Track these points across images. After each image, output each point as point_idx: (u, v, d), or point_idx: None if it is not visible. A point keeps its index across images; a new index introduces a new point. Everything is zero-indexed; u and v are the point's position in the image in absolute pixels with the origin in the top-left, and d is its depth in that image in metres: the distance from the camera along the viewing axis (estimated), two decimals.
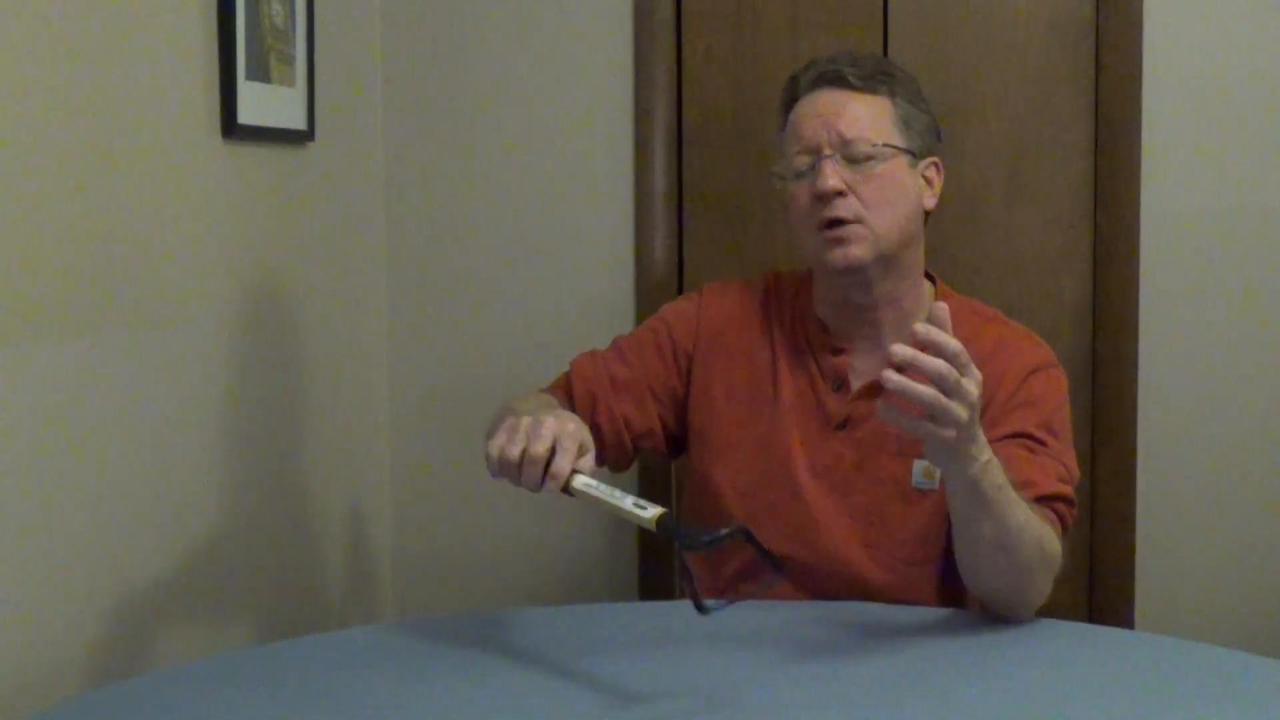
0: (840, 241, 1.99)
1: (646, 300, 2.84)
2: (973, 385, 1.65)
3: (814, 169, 2.00)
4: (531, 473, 1.68)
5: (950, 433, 1.65)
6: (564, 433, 1.69)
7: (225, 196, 2.33)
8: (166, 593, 2.18)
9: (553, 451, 1.68)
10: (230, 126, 2.29)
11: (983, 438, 1.73)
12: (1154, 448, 2.76)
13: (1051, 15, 2.74)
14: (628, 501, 1.61)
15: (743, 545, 1.84)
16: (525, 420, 1.71)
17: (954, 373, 1.62)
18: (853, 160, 1.99)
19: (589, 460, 1.71)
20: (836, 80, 2.02)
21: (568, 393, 2.09)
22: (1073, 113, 2.75)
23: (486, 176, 2.91)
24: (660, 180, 2.84)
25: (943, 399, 1.62)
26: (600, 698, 1.62)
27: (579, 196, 2.88)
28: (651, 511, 1.59)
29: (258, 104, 2.36)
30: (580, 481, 1.66)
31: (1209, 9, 2.69)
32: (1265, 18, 2.68)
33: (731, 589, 1.99)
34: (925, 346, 1.61)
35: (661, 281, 2.85)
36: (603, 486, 1.65)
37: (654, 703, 1.60)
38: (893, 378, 1.61)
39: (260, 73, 2.37)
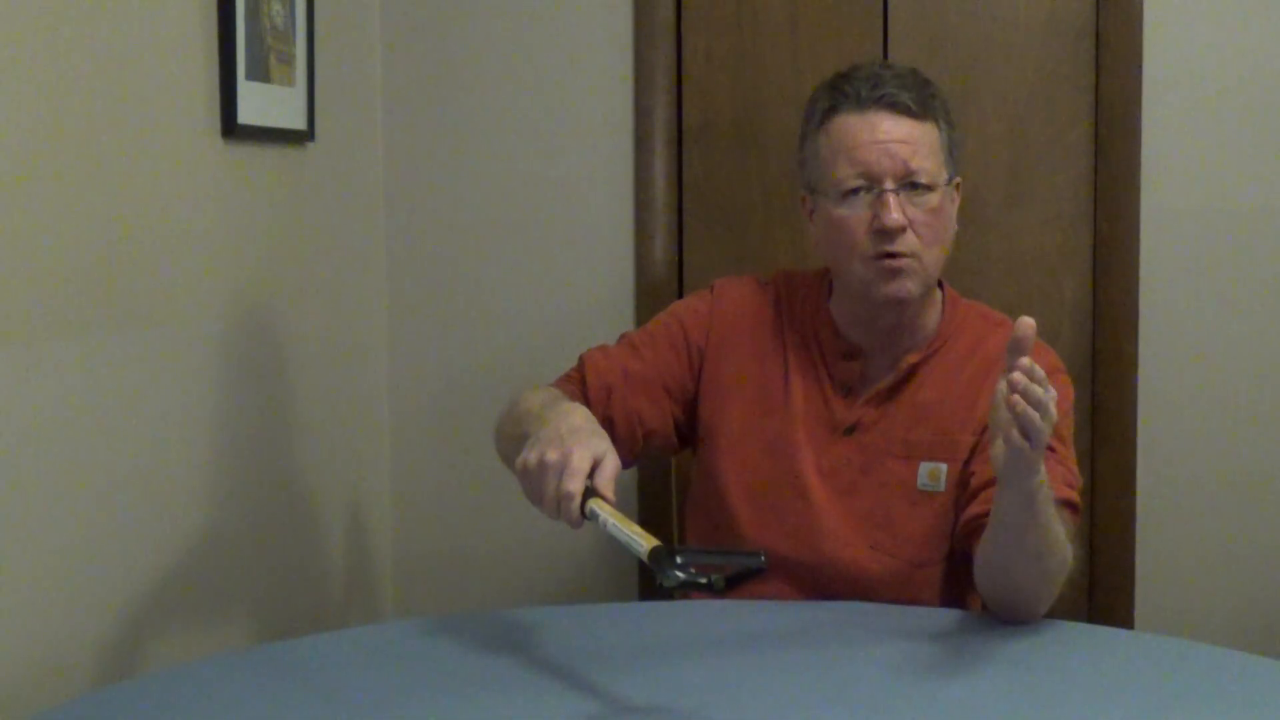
0: (895, 275, 1.97)
1: (646, 300, 2.84)
2: (1054, 407, 1.66)
3: (874, 198, 1.96)
4: (568, 509, 1.65)
5: (1039, 452, 1.67)
6: (584, 457, 1.66)
7: (225, 196, 2.33)
8: (167, 592, 2.18)
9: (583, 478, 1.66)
10: (230, 126, 2.29)
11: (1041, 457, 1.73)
12: (1154, 448, 2.76)
13: (1051, 15, 2.74)
14: (623, 536, 1.59)
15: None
16: (552, 454, 1.67)
17: (1048, 405, 1.64)
18: (911, 191, 1.97)
19: (609, 468, 1.68)
20: (894, 105, 1.98)
21: (581, 386, 2.08)
22: (1073, 113, 2.75)
23: (486, 176, 2.90)
24: (660, 180, 2.84)
25: (1037, 419, 1.64)
26: (600, 698, 1.62)
27: (579, 196, 2.88)
28: (644, 552, 1.57)
29: (258, 104, 2.36)
30: (591, 504, 1.64)
31: (1209, 9, 2.69)
32: (1265, 18, 2.68)
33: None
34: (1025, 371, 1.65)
35: (661, 281, 2.85)
36: (614, 524, 1.62)
37: (654, 703, 1.60)
38: (1020, 407, 1.64)
39: (260, 73, 2.37)
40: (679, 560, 1.53)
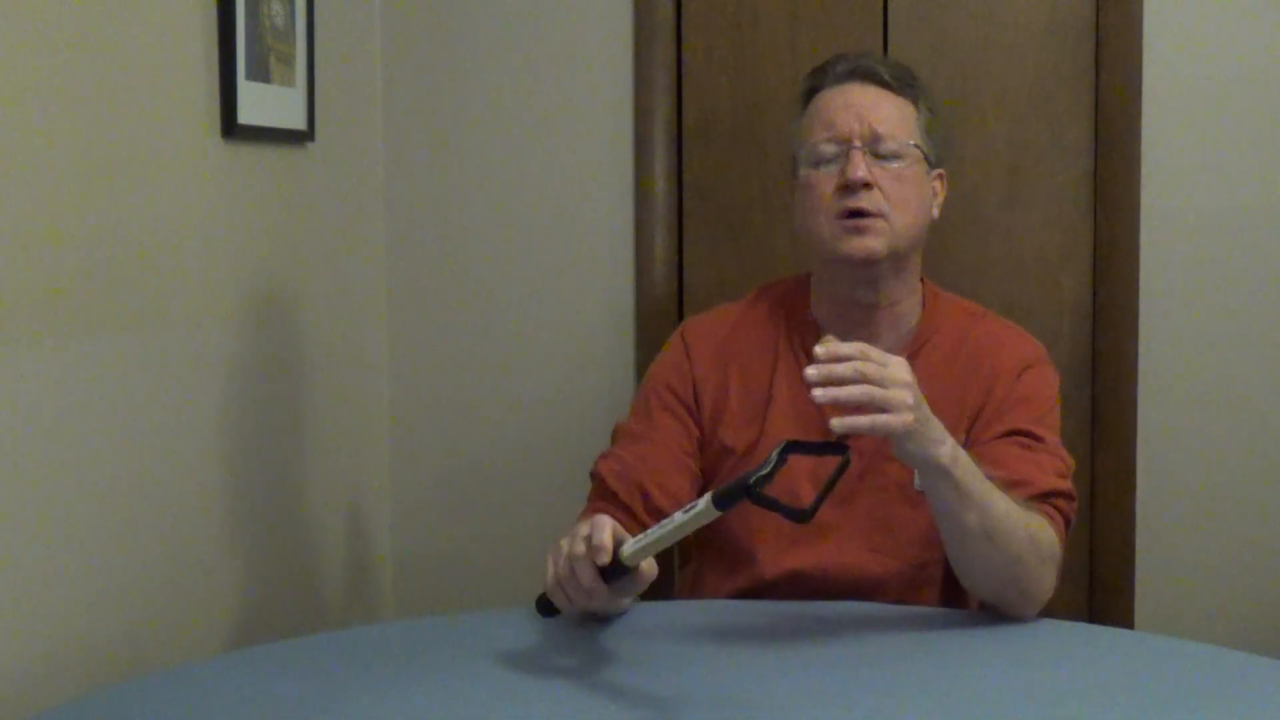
0: (859, 231, 1.99)
1: (646, 299, 2.84)
2: (900, 370, 1.71)
3: (842, 158, 2.00)
4: (586, 574, 1.71)
5: (906, 416, 1.70)
6: (579, 531, 1.73)
7: (225, 196, 2.33)
8: (166, 593, 2.18)
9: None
10: (230, 126, 2.29)
11: (939, 425, 1.77)
12: (1154, 448, 2.76)
13: (1051, 15, 2.74)
14: (677, 518, 1.62)
15: (747, 561, 1.86)
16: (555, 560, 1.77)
17: (869, 364, 1.69)
18: (880, 156, 2.00)
19: (606, 524, 1.72)
20: (870, 76, 2.03)
21: (606, 498, 2.03)
22: (1073, 113, 2.75)
23: (486, 176, 2.91)
24: (660, 180, 2.84)
25: (878, 390, 1.69)
26: (600, 698, 1.62)
27: (579, 197, 2.88)
28: (703, 503, 1.58)
29: (258, 104, 2.36)
30: (628, 548, 1.67)
31: (1209, 9, 2.69)
32: (1265, 19, 2.68)
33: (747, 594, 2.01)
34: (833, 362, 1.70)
35: (661, 281, 2.85)
36: (648, 534, 1.65)
37: (654, 702, 1.60)
38: (820, 393, 1.69)
39: (260, 73, 2.37)
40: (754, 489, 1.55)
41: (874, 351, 1.71)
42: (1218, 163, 2.71)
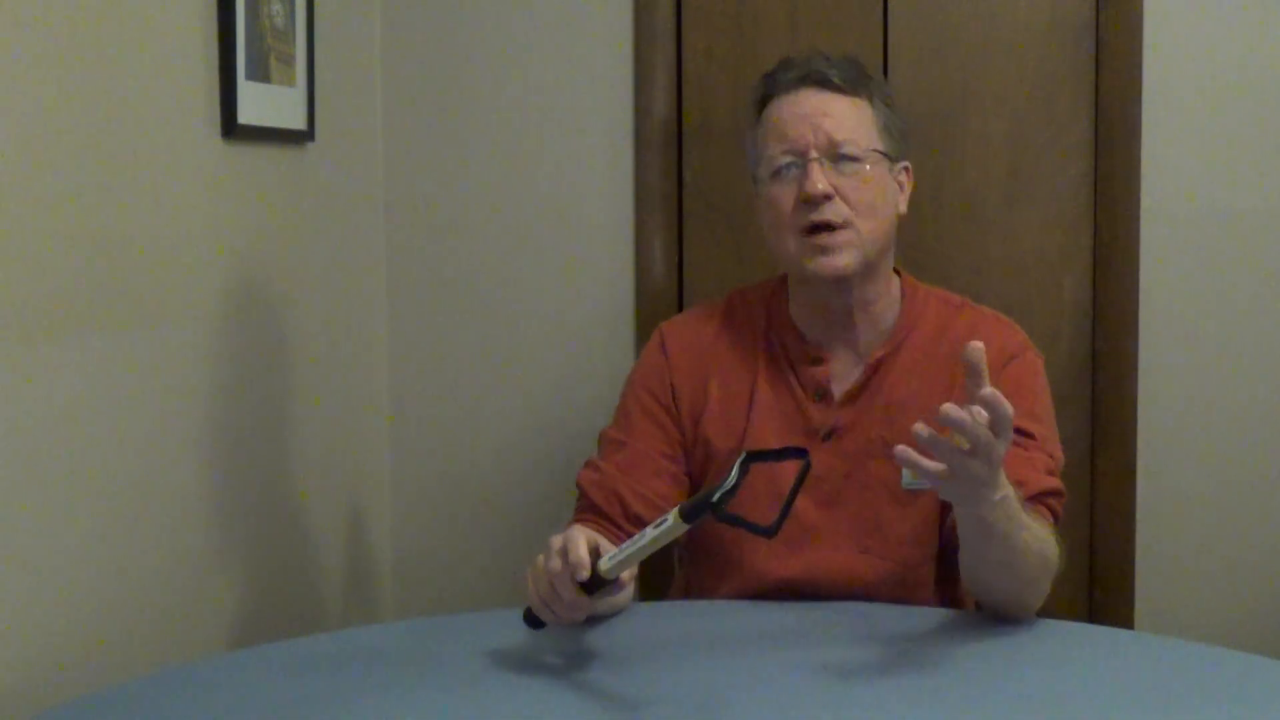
0: (825, 250, 1.97)
1: (646, 299, 2.84)
2: (1000, 448, 1.62)
3: (799, 170, 1.97)
4: (567, 591, 1.70)
5: (984, 470, 1.62)
6: (554, 546, 1.73)
7: (225, 196, 2.33)
8: (166, 594, 2.18)
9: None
10: (230, 126, 2.29)
11: (1002, 477, 1.68)
12: (1154, 448, 2.76)
13: (1051, 15, 2.74)
14: (648, 533, 1.62)
15: (736, 567, 1.85)
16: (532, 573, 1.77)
17: (991, 444, 1.60)
18: (839, 162, 1.97)
19: (579, 540, 1.72)
20: (820, 81, 2.00)
21: (589, 509, 2.04)
22: (1073, 113, 2.75)
23: (486, 176, 2.91)
24: (660, 180, 2.84)
25: (969, 460, 1.60)
26: (599, 698, 1.62)
27: (579, 196, 2.88)
28: (671, 517, 1.59)
29: (258, 104, 2.36)
30: (605, 561, 1.67)
31: (1209, 9, 2.69)
32: (1265, 18, 2.68)
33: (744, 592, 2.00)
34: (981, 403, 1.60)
35: (661, 280, 2.85)
36: (622, 548, 1.66)
37: (653, 703, 1.60)
38: (951, 414, 1.57)
39: (260, 73, 2.37)
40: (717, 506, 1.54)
41: (1008, 421, 1.60)
42: (1218, 163, 2.71)
